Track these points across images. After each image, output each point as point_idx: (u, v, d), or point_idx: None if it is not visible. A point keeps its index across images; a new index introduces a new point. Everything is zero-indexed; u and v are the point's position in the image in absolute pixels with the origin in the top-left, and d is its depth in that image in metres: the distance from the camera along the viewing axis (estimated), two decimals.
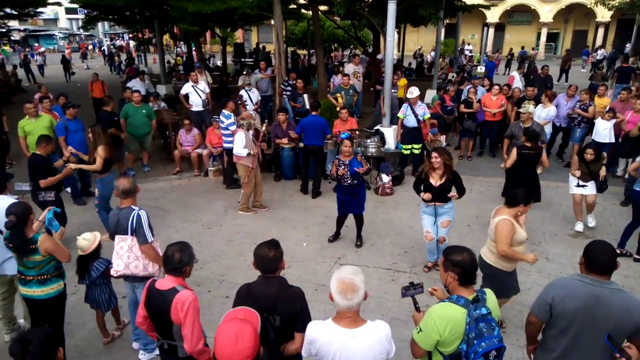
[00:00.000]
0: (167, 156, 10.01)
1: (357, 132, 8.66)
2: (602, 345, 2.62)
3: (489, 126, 9.86)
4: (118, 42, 43.60)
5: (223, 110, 7.92)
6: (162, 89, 15.19)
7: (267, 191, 8.42)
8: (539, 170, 8.29)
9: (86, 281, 4.18)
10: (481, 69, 17.80)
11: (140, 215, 3.81)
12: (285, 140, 8.48)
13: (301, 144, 8.18)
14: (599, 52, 26.55)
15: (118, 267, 3.86)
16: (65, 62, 24.47)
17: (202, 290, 5.27)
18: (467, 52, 27.61)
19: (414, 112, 8.50)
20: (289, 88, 10.87)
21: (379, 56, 16.48)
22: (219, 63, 26.15)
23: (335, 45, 26.80)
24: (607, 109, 8.43)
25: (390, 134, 9.39)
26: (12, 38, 36.84)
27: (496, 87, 9.81)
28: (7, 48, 36.82)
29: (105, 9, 18.39)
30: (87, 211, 7.49)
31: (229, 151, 7.64)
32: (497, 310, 2.63)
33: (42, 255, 3.67)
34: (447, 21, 20.63)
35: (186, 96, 10.40)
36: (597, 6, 25.12)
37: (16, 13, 21.93)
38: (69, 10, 50.75)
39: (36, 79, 23.13)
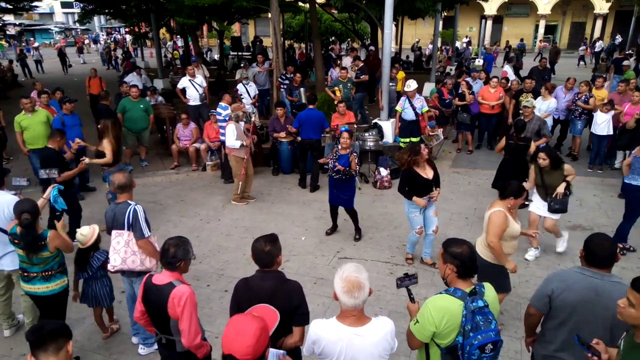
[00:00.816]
0: (165, 151, 9.99)
1: (355, 126, 8.64)
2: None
3: (487, 119, 9.86)
4: (118, 37, 43.31)
5: (220, 103, 7.93)
6: (159, 83, 15.15)
7: (265, 185, 8.43)
8: None
9: (87, 273, 4.18)
10: (479, 62, 17.73)
11: (136, 210, 3.81)
12: (283, 134, 8.46)
13: (299, 138, 8.17)
14: (597, 44, 26.52)
15: (115, 262, 3.86)
16: (62, 55, 24.37)
17: (201, 285, 5.28)
18: (465, 45, 27.59)
19: (412, 105, 8.48)
20: (286, 81, 10.82)
21: (372, 48, 16.40)
22: (216, 57, 26.04)
23: (333, 38, 26.68)
24: (606, 101, 8.43)
25: (388, 127, 9.38)
26: (7, 32, 36.60)
27: (494, 79, 9.79)
28: (2, 42, 36.57)
29: (101, 3, 18.30)
30: (86, 206, 7.45)
31: None
32: (497, 304, 2.63)
33: (50, 252, 3.68)
34: (445, 14, 20.55)
35: (183, 90, 10.35)
36: None
37: (11, 7, 21.78)
38: (64, 4, 50.52)
39: (32, 74, 23.00)
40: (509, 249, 4.14)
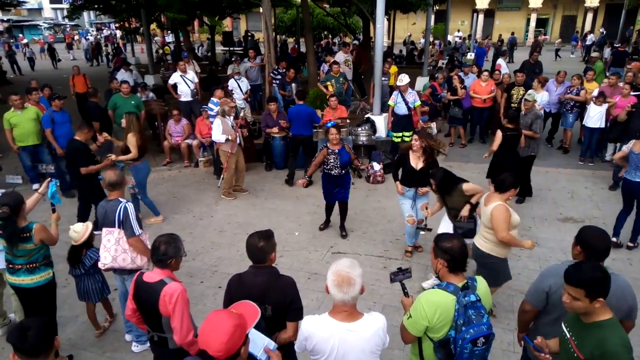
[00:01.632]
0: (157, 147, 9.92)
1: (348, 121, 8.63)
2: None
3: (479, 112, 9.88)
4: (106, 32, 42.87)
5: (212, 99, 7.91)
6: (150, 79, 15.01)
7: (259, 181, 8.41)
8: None
9: (80, 270, 4.16)
10: (471, 56, 17.76)
11: (127, 207, 3.79)
12: (275, 130, 8.43)
13: (290, 134, 8.15)
14: (588, 37, 26.65)
15: (105, 260, 3.84)
16: (52, 50, 24.11)
17: (194, 281, 5.27)
18: (457, 39, 27.63)
19: (404, 100, 8.48)
20: (278, 77, 10.78)
21: (354, 42, 16.39)
22: (207, 52, 25.88)
23: (325, 33, 26.62)
24: (597, 93, 8.48)
25: (381, 122, 9.38)
26: None
27: (485, 73, 9.81)
28: None
29: None
30: (76, 204, 7.41)
31: None
32: (488, 298, 2.64)
33: (34, 244, 3.69)
34: (437, 7, 20.56)
35: (174, 86, 10.27)
36: None
37: None
38: (53, 0, 49.86)
39: (21, 71, 22.69)
40: None
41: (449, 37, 25.81)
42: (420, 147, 5.26)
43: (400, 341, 2.79)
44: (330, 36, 28.05)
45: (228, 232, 6.53)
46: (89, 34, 41.86)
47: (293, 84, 10.32)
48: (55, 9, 51.17)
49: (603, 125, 8.34)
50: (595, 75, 9.89)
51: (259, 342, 2.27)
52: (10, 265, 3.78)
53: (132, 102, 8.84)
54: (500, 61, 12.75)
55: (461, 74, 10.55)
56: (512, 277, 4.64)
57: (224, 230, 6.60)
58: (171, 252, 2.84)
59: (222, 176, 7.76)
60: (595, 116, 8.32)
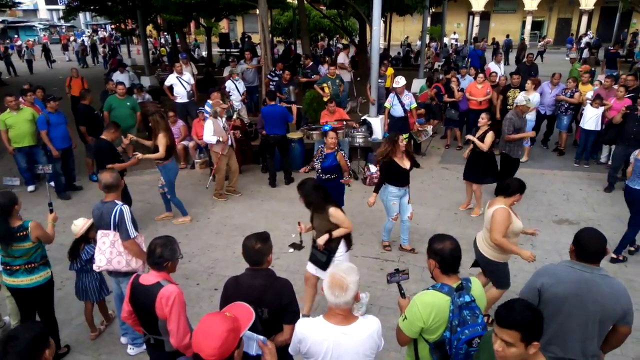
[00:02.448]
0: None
1: (348, 123, 8.60)
2: (589, 330, 2.66)
3: (475, 114, 9.88)
4: (101, 34, 42.72)
5: (208, 101, 7.89)
6: (146, 81, 14.97)
7: (255, 183, 8.40)
8: (524, 158, 8.41)
9: (77, 265, 4.16)
10: (467, 58, 17.81)
11: (122, 210, 3.78)
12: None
13: (264, 132, 8.13)
14: (584, 39, 26.78)
15: (100, 262, 3.83)
16: (46, 50, 24.07)
17: (190, 283, 5.25)
18: (453, 42, 27.67)
19: (400, 102, 8.50)
20: (275, 78, 10.78)
21: (339, 46, 16.43)
22: (204, 54, 25.84)
23: (322, 35, 26.65)
24: (593, 96, 8.51)
25: (377, 123, 9.39)
26: None
27: (481, 75, 9.85)
28: None
29: None
30: (72, 205, 7.40)
31: None
32: (483, 299, 2.65)
33: (32, 242, 3.70)
34: (433, 10, 20.64)
35: (171, 87, 10.25)
36: None
37: None
38: (48, 1, 49.68)
39: (17, 73, 22.59)
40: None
41: (445, 40, 25.84)
42: (403, 148, 5.53)
43: (396, 343, 2.79)
44: (327, 38, 28.10)
45: (224, 233, 6.52)
46: (84, 35, 41.75)
47: (290, 86, 10.33)
48: (50, 10, 50.98)
49: (599, 128, 8.38)
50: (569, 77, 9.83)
51: (252, 341, 2.26)
52: (8, 267, 3.76)
53: (128, 103, 8.82)
54: (491, 64, 12.76)
55: (458, 76, 10.60)
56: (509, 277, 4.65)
57: (220, 232, 6.58)
58: (167, 255, 2.83)
59: (210, 178, 7.82)
60: (591, 119, 8.36)
